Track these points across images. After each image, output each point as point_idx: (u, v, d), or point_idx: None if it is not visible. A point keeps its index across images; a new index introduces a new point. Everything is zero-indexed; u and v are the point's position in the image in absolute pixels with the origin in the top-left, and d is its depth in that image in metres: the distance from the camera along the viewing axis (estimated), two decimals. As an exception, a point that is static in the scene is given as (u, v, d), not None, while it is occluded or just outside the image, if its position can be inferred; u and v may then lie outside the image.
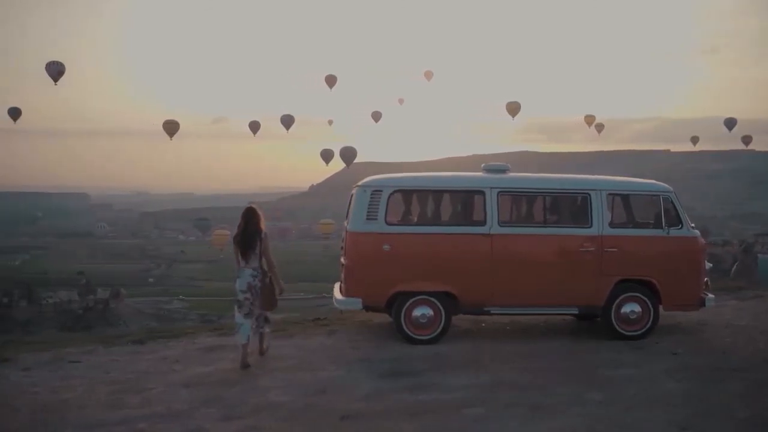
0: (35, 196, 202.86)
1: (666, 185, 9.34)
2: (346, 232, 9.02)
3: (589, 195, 8.93)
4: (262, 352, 8.16)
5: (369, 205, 8.73)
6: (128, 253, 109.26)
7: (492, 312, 9.01)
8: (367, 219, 8.72)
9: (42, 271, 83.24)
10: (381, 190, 8.79)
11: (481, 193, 8.86)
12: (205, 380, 7.31)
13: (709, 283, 9.36)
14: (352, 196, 9.03)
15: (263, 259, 8.05)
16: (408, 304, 8.67)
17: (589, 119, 68.29)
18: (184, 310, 64.80)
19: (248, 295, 7.93)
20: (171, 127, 55.13)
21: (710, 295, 9.22)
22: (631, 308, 8.91)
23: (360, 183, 9.11)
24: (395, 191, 8.89)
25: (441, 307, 8.70)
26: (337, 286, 9.30)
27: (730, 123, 63.07)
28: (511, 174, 9.32)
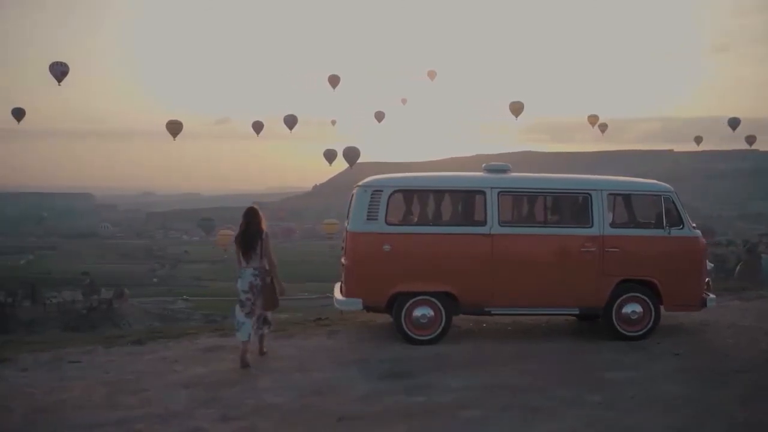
0: (39, 196, 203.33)
1: (667, 185, 9.30)
2: (347, 232, 9.00)
3: (590, 195, 8.89)
4: (261, 353, 8.15)
5: (369, 205, 8.70)
6: (132, 253, 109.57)
7: (492, 312, 8.98)
8: (368, 219, 8.69)
9: (46, 271, 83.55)
10: (381, 190, 8.76)
11: (482, 193, 8.82)
12: (204, 381, 7.28)
13: (710, 283, 9.32)
14: (352, 196, 9.01)
15: (265, 259, 8.04)
16: (408, 304, 8.64)
17: (593, 119, 68.16)
18: (188, 310, 65.00)
19: (250, 295, 7.95)
20: (174, 128, 55.15)
21: (712, 296, 9.18)
22: (632, 308, 8.87)
23: (360, 183, 9.08)
24: (395, 191, 8.87)
25: (441, 308, 8.67)
26: (337, 286, 9.27)
27: (734, 123, 62.84)
28: (512, 174, 9.29)
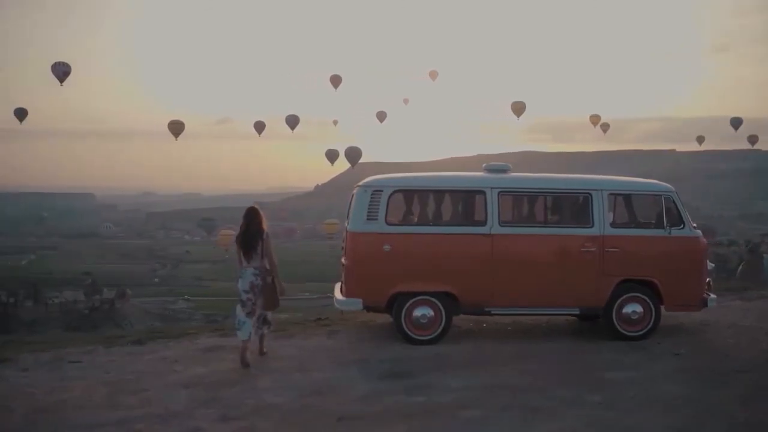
0: (41, 196, 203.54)
1: (667, 185, 9.29)
2: (347, 232, 9.00)
3: (591, 195, 8.88)
4: (261, 353, 8.16)
5: (369, 205, 8.70)
6: (134, 253, 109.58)
7: (492, 312, 8.98)
8: (368, 219, 8.69)
9: (48, 271, 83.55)
10: (381, 190, 8.76)
11: (482, 193, 8.82)
12: (204, 381, 7.28)
13: (711, 283, 9.31)
14: (352, 196, 9.01)
15: (265, 259, 8.05)
16: (408, 304, 8.64)
17: (595, 119, 68.10)
18: (189, 310, 64.98)
19: (251, 295, 7.96)
20: (176, 128, 55.16)
21: (712, 296, 9.17)
22: (632, 308, 8.86)
23: (360, 183, 9.09)
24: (396, 191, 8.87)
25: (441, 308, 8.67)
26: (337, 286, 9.27)
27: (736, 122, 62.76)
28: (512, 174, 9.28)
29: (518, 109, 56.63)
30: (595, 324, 9.46)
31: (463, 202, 9.06)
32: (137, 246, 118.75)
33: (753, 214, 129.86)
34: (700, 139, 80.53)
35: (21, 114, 53.87)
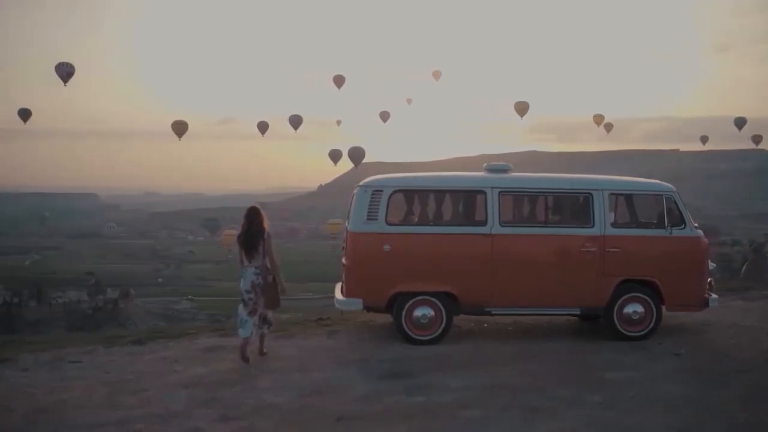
0: (44, 196, 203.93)
1: (669, 185, 9.27)
2: (347, 232, 9.00)
3: (591, 195, 8.87)
4: (261, 353, 8.16)
5: (369, 205, 8.70)
6: (137, 253, 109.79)
7: (493, 312, 8.97)
8: (368, 219, 8.69)
9: (51, 271, 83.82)
10: (382, 190, 8.76)
11: (483, 193, 8.81)
12: (204, 381, 7.28)
13: (712, 283, 9.29)
14: (353, 196, 9.01)
15: (266, 258, 8.08)
16: (408, 304, 8.63)
17: (598, 119, 68.09)
18: (193, 310, 65.10)
19: (252, 295, 8.00)
20: (180, 128, 55.31)
21: (714, 296, 9.14)
22: (633, 309, 8.84)
23: (361, 183, 9.08)
24: (396, 191, 8.86)
25: (442, 308, 8.66)
26: (338, 286, 9.27)
27: (740, 122, 62.71)
28: (513, 174, 9.27)
29: (521, 108, 56.63)
30: (596, 324, 9.44)
31: (463, 202, 9.05)
32: (140, 246, 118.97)
33: (756, 213, 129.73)
34: (704, 139, 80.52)
35: (25, 114, 54.06)
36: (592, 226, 8.81)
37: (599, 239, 8.78)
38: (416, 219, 9.06)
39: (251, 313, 7.97)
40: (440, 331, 8.68)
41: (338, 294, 9.06)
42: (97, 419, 6.21)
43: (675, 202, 8.99)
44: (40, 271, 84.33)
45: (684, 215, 8.99)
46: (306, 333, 9.41)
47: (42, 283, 63.74)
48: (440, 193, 9.10)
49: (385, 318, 9.34)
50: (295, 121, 59.34)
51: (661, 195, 9.04)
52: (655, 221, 9.08)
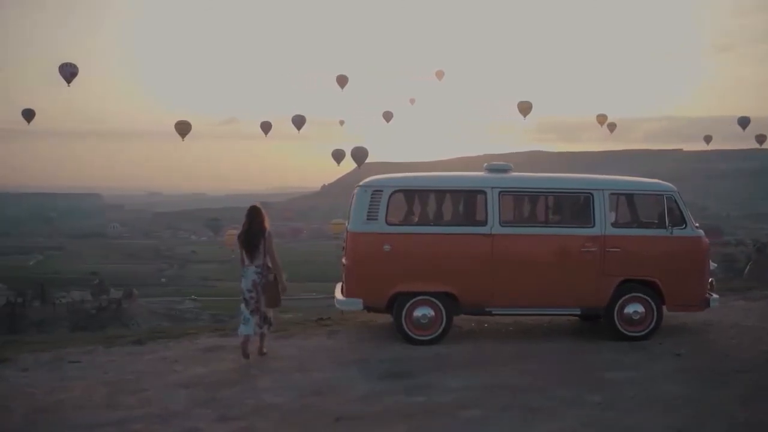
0: (48, 196, 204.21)
1: (669, 185, 9.25)
2: (347, 232, 8.99)
3: (592, 195, 8.85)
4: (261, 353, 8.17)
5: (369, 205, 8.69)
6: (141, 253, 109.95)
7: (493, 313, 8.95)
8: (368, 219, 8.68)
9: (55, 272, 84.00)
10: (381, 190, 8.76)
11: (483, 192, 8.80)
12: (204, 381, 7.29)
13: (714, 283, 9.27)
14: (353, 196, 9.00)
15: (267, 257, 8.12)
16: (409, 304, 8.63)
17: (601, 119, 67.89)
18: (196, 310, 65.24)
19: (253, 293, 8.05)
20: (183, 128, 55.31)
21: (715, 296, 9.12)
22: (634, 309, 8.82)
23: (361, 183, 9.08)
24: (396, 191, 8.86)
25: (442, 308, 8.65)
26: (338, 286, 9.27)
27: (744, 122, 62.51)
28: (513, 174, 9.25)
29: (525, 108, 56.52)
30: (596, 324, 9.42)
31: (463, 202, 9.04)
32: (144, 246, 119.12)
33: (760, 213, 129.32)
34: (708, 139, 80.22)
35: (28, 115, 54.08)
36: (593, 226, 8.80)
37: (600, 239, 8.76)
38: (416, 219, 9.05)
39: (253, 312, 8.02)
40: (440, 331, 8.67)
41: (338, 294, 9.06)
42: (97, 419, 6.21)
43: (676, 201, 8.97)
44: (44, 271, 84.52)
45: (685, 215, 8.96)
46: (306, 333, 9.41)
47: (46, 283, 63.87)
48: (440, 193, 9.09)
49: (385, 318, 9.33)
50: (298, 121, 59.32)
51: (662, 195, 9.02)
52: (655, 221, 9.06)
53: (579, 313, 9.14)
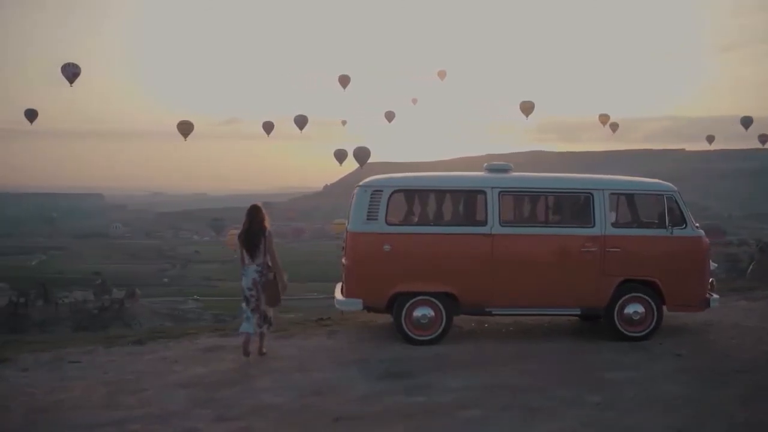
0: (51, 196, 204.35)
1: (670, 185, 9.24)
2: (347, 232, 8.99)
3: (592, 195, 8.84)
4: (261, 353, 8.17)
5: (369, 205, 8.69)
6: (143, 253, 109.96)
7: (493, 313, 8.95)
8: (368, 219, 8.68)
9: (58, 271, 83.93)
10: (381, 191, 8.75)
11: (483, 192, 8.79)
12: (203, 381, 7.30)
13: (714, 283, 9.25)
14: (353, 196, 9.00)
15: (268, 256, 8.15)
16: (408, 304, 8.63)
17: (604, 118, 67.90)
18: (198, 310, 65.13)
19: (254, 292, 8.10)
20: (185, 128, 55.43)
21: (715, 296, 9.11)
22: (634, 309, 8.81)
23: (361, 183, 9.08)
24: (396, 191, 8.85)
25: (442, 308, 8.65)
26: (338, 286, 9.27)
27: (747, 122, 62.47)
28: (513, 173, 9.25)
29: (527, 108, 56.54)
30: (596, 324, 9.41)
31: (463, 202, 9.04)
32: (146, 246, 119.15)
33: (763, 213, 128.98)
34: (710, 139, 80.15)
35: (31, 115, 54.19)
36: (593, 226, 8.79)
37: (600, 239, 8.75)
38: (416, 219, 9.05)
39: (253, 311, 8.06)
40: (440, 331, 8.67)
41: (338, 294, 9.06)
42: (97, 419, 6.22)
43: (676, 201, 8.96)
44: (47, 271, 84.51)
45: (685, 215, 8.95)
46: (306, 333, 9.42)
47: (48, 283, 63.79)
48: (440, 193, 9.08)
49: (385, 318, 9.33)
50: (301, 122, 59.40)
51: (662, 195, 9.01)
52: (656, 221, 9.05)
53: (579, 313, 9.13)
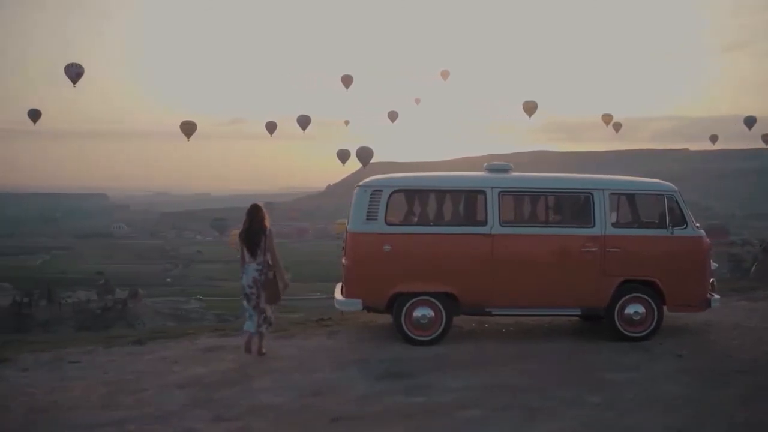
0: (54, 196, 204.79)
1: (670, 184, 9.22)
2: (347, 232, 8.99)
3: (592, 194, 8.83)
4: (260, 353, 8.17)
5: (369, 205, 8.68)
6: (146, 253, 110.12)
7: (493, 313, 8.93)
8: (367, 219, 8.67)
9: (61, 271, 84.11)
10: (381, 191, 8.74)
11: (483, 192, 8.78)
12: (201, 381, 7.29)
13: (715, 283, 9.23)
14: (353, 196, 9.00)
15: (268, 255, 8.18)
16: (408, 304, 8.61)
17: (607, 118, 67.88)
18: (201, 309, 65.17)
19: (254, 290, 8.13)
20: (188, 128, 55.53)
21: (716, 296, 9.08)
22: (634, 309, 8.79)
23: (361, 183, 9.08)
24: (396, 191, 8.84)
25: (441, 308, 8.64)
26: (338, 286, 9.26)
27: (750, 121, 62.39)
28: (513, 173, 9.24)
29: (530, 108, 56.48)
30: (597, 324, 9.38)
31: (463, 202, 9.02)
32: (149, 246, 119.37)
33: (766, 213, 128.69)
34: (714, 138, 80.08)
35: (35, 115, 54.32)
36: (593, 226, 8.77)
37: (600, 239, 8.74)
38: (416, 219, 9.04)
39: (255, 309, 8.09)
40: (440, 331, 8.65)
41: (338, 294, 9.05)
42: (96, 419, 6.22)
43: (676, 201, 8.94)
44: (50, 271, 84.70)
45: (686, 215, 8.93)
46: (306, 333, 9.41)
47: (52, 283, 63.93)
48: (440, 193, 9.07)
49: (386, 318, 9.32)
50: (304, 122, 59.44)
51: (663, 195, 8.99)
52: (656, 221, 9.03)
53: (579, 313, 9.11)
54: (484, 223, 8.72)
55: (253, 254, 8.16)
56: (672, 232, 8.83)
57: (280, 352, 8.38)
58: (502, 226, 8.70)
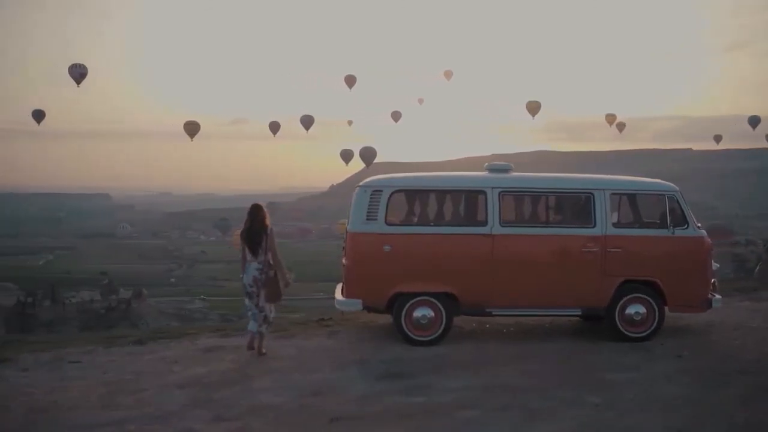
0: (58, 196, 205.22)
1: (671, 184, 9.20)
2: (347, 232, 8.99)
3: (593, 195, 8.81)
4: (260, 353, 8.18)
5: (369, 205, 8.69)
6: (150, 253, 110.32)
7: (493, 313, 8.92)
8: (367, 219, 8.67)
9: (65, 271, 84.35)
10: (381, 191, 8.74)
11: (483, 193, 8.78)
12: (201, 381, 7.30)
13: (716, 283, 9.20)
14: (353, 196, 8.99)
15: (269, 253, 8.22)
16: (408, 305, 8.61)
17: (610, 118, 67.61)
18: (205, 309, 65.38)
19: (254, 288, 8.18)
20: (192, 128, 55.44)
21: (717, 296, 9.06)
22: (635, 309, 8.78)
23: (361, 183, 9.08)
24: (396, 191, 8.84)
25: (442, 308, 8.63)
26: (338, 287, 9.26)
27: (754, 121, 62.20)
28: (514, 173, 9.22)
29: (533, 108, 56.32)
30: (597, 325, 9.36)
31: (464, 202, 9.02)
32: (153, 246, 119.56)
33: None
34: (718, 138, 79.80)
35: (39, 116, 54.33)
36: (594, 226, 8.76)
37: (600, 239, 8.72)
38: (416, 219, 9.04)
39: (256, 306, 8.14)
40: (440, 331, 8.65)
41: (338, 295, 9.05)
42: (96, 419, 6.24)
43: (677, 201, 8.92)
44: (54, 271, 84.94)
45: (687, 215, 8.91)
46: (306, 333, 9.41)
47: (56, 283, 64.12)
48: (440, 193, 9.07)
49: (386, 318, 9.31)
50: (307, 122, 59.36)
51: (664, 195, 8.97)
52: (657, 221, 9.01)
53: (580, 313, 9.10)
54: (484, 223, 8.71)
55: (254, 253, 8.21)
56: (673, 233, 8.81)
57: (280, 352, 8.38)
58: (503, 226, 8.69)
